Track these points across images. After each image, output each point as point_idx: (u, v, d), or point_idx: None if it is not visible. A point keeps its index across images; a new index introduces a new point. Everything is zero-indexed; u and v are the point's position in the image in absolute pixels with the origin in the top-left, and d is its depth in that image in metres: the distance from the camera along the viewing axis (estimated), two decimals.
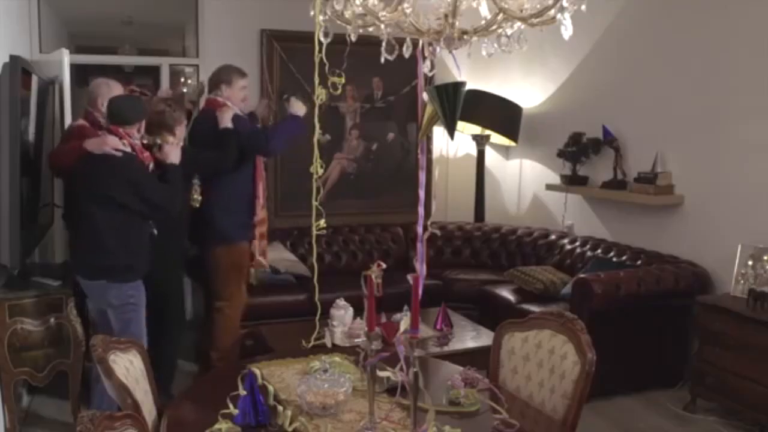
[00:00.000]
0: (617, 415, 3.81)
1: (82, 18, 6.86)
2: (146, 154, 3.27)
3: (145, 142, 3.35)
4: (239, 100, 3.84)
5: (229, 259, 3.83)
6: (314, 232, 2.72)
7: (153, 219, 3.30)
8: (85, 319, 3.61)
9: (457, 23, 1.80)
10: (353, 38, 1.96)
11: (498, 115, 5.42)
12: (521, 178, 5.84)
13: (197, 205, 3.71)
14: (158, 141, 3.37)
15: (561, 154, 4.98)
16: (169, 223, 3.48)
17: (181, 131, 3.51)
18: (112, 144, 3.05)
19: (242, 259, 3.91)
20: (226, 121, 3.70)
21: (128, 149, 3.11)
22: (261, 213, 3.96)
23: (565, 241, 5.05)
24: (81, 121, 3.65)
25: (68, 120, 4.30)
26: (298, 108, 3.79)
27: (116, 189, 3.06)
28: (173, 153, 3.33)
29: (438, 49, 1.93)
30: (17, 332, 3.30)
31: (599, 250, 4.69)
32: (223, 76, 3.85)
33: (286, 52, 5.29)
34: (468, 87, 2.26)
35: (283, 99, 3.93)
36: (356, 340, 3.05)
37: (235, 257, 3.86)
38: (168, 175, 3.27)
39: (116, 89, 3.65)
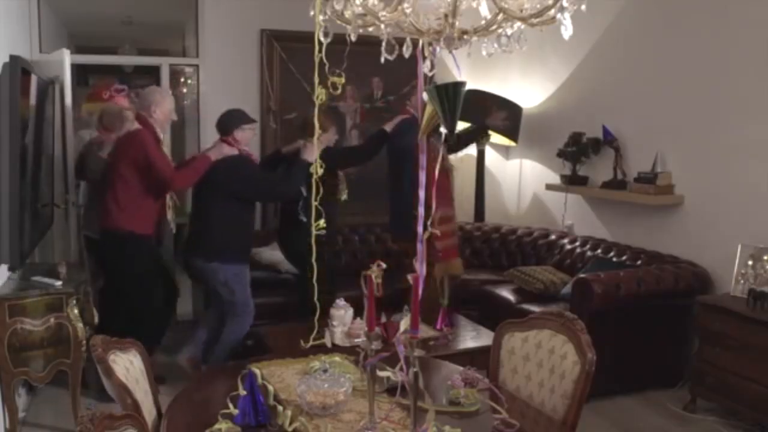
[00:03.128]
0: (617, 415, 3.81)
1: (82, 18, 6.86)
2: (253, 156, 4.06)
3: (302, 142, 4.11)
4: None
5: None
6: (314, 232, 2.72)
7: (268, 202, 4.16)
8: (103, 319, 3.85)
9: (457, 23, 1.80)
10: (353, 38, 1.95)
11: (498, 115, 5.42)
12: (521, 178, 5.84)
13: (345, 197, 4.36)
14: (303, 141, 4.07)
15: (561, 154, 4.98)
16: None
17: (326, 136, 4.10)
18: (225, 151, 3.85)
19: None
20: (389, 124, 4.26)
21: (235, 152, 3.86)
22: (440, 213, 3.95)
23: (565, 241, 5.05)
24: (138, 126, 3.89)
25: (69, 120, 4.31)
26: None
27: (233, 183, 3.82)
28: (308, 152, 3.90)
29: (438, 49, 1.92)
30: (17, 332, 3.30)
31: (599, 250, 4.69)
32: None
33: (286, 52, 5.30)
34: (468, 87, 2.26)
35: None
36: (356, 340, 3.05)
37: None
38: (293, 166, 3.94)
39: (167, 97, 4.04)
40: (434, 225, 3.93)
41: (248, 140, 3.99)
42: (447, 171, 4.08)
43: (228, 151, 3.86)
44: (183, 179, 3.89)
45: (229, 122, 3.93)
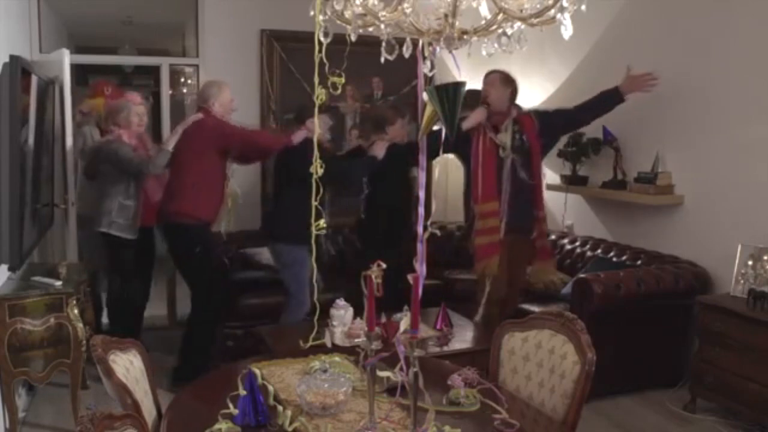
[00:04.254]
0: (617, 415, 3.81)
1: (82, 18, 6.86)
2: (327, 145, 4.15)
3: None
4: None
5: None
6: (314, 232, 2.72)
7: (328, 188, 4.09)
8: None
9: (457, 23, 1.80)
10: (353, 38, 1.95)
11: None
12: None
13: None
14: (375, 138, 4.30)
15: (561, 154, 4.97)
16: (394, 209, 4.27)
17: (394, 131, 4.28)
18: (299, 136, 4.03)
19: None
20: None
21: (308, 135, 3.97)
22: (480, 206, 3.96)
23: (565, 241, 5.05)
24: (201, 115, 4.05)
25: (69, 120, 4.31)
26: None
27: (300, 167, 3.78)
28: (378, 149, 4.14)
29: (438, 49, 1.92)
30: (17, 332, 3.30)
31: (599, 250, 4.69)
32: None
33: (286, 52, 5.30)
34: (468, 87, 2.26)
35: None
36: (356, 340, 3.05)
37: None
38: (358, 159, 4.24)
39: (224, 89, 4.13)
40: (476, 218, 3.95)
41: (323, 129, 4.12)
42: (496, 162, 3.94)
43: (301, 135, 4.04)
44: (276, 142, 4.13)
45: (304, 112, 4.11)
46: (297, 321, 4.05)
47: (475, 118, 3.97)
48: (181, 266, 4.23)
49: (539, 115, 4.15)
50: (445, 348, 3.43)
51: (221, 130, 4.01)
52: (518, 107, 4.11)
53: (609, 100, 4.13)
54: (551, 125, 4.13)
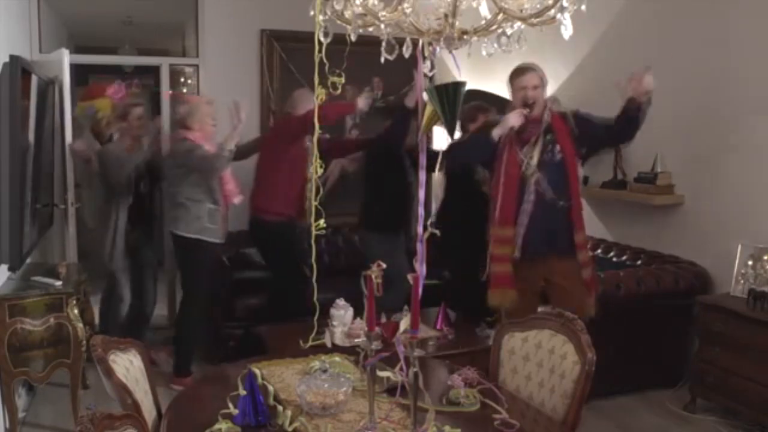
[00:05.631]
0: (617, 415, 3.81)
1: (82, 18, 6.86)
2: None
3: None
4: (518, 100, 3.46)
5: None
6: (314, 232, 2.72)
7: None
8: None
9: (457, 23, 1.80)
10: (353, 38, 1.95)
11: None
12: None
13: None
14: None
15: None
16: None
17: (475, 128, 4.05)
18: (364, 103, 4.20)
19: None
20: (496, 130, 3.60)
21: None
22: (496, 230, 3.46)
23: None
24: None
25: (68, 119, 4.32)
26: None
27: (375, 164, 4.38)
28: (409, 100, 4.12)
29: (438, 49, 1.92)
30: (17, 332, 3.30)
31: (599, 250, 4.69)
32: None
33: (286, 52, 5.30)
34: (468, 87, 2.26)
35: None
36: (356, 340, 3.05)
37: None
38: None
39: (313, 99, 4.14)
40: (491, 240, 3.47)
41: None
42: (519, 180, 3.35)
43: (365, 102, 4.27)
44: (334, 111, 4.05)
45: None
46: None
47: (508, 123, 3.35)
48: (266, 259, 4.52)
49: (581, 120, 3.41)
50: (445, 348, 3.43)
51: (304, 120, 3.95)
52: (551, 109, 3.43)
53: (627, 111, 3.26)
54: (593, 136, 3.42)
